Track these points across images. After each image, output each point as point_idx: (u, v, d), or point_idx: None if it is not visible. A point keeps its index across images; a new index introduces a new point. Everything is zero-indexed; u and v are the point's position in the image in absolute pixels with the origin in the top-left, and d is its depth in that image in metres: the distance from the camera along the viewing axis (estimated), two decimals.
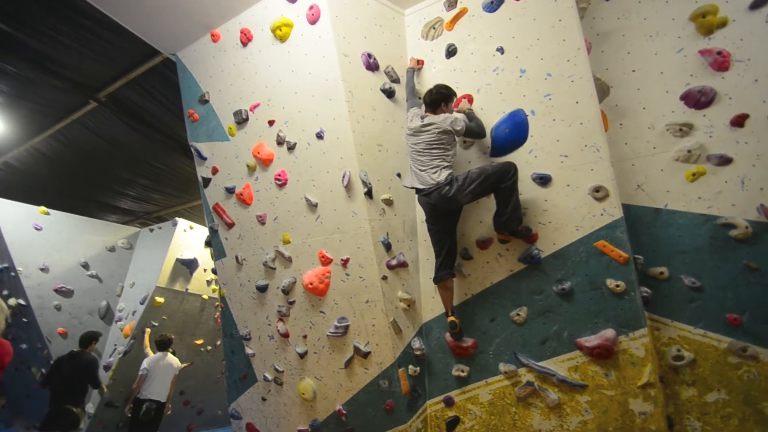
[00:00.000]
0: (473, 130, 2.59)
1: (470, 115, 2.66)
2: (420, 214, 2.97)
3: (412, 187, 2.61)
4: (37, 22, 3.70)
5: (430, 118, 2.56)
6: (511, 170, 2.42)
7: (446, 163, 2.50)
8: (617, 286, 2.28)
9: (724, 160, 2.43)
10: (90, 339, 4.44)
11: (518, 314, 2.51)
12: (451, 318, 2.57)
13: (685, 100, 2.57)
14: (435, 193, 2.45)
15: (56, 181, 6.79)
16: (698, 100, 2.53)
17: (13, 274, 5.83)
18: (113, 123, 5.26)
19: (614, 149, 2.63)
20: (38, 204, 6.27)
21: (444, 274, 2.59)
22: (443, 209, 2.52)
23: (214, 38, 3.37)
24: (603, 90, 2.75)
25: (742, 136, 2.41)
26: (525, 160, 2.58)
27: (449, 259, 2.59)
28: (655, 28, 2.70)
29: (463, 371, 2.66)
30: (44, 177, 6.63)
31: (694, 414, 2.31)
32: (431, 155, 2.51)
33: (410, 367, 2.69)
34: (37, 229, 6.13)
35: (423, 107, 2.71)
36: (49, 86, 4.58)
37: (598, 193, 2.36)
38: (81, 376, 4.16)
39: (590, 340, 2.32)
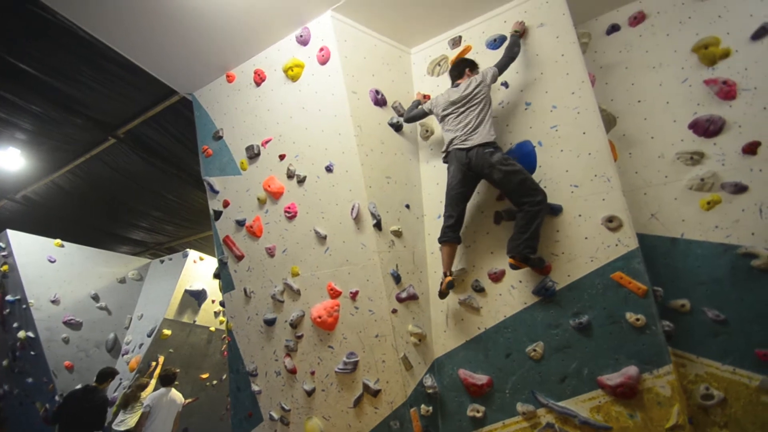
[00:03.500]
0: (504, 63, 2.62)
1: (514, 37, 2.69)
2: (430, 244, 2.95)
3: (446, 150, 2.63)
4: (62, 65, 3.94)
5: (467, 80, 2.66)
6: (540, 195, 2.38)
7: (489, 123, 2.53)
8: (637, 319, 2.19)
9: (740, 188, 2.39)
10: (108, 375, 4.42)
11: (534, 350, 2.41)
12: (449, 278, 2.55)
13: (693, 129, 2.57)
14: (478, 149, 2.47)
15: (72, 214, 6.96)
16: (707, 128, 2.53)
17: (24, 306, 5.87)
18: (130, 158, 5.45)
19: (625, 179, 2.62)
20: (54, 236, 6.40)
21: (452, 237, 2.58)
22: (474, 170, 2.50)
23: (230, 79, 3.52)
24: (609, 120, 2.78)
25: (756, 164, 2.38)
26: None
27: (459, 224, 2.60)
28: (658, 59, 2.75)
29: (478, 411, 2.53)
30: (61, 210, 6.81)
31: None
32: (475, 112, 2.54)
33: (422, 406, 2.57)
34: (51, 262, 6.23)
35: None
36: (71, 124, 4.80)
37: (612, 224, 2.32)
38: (92, 414, 4.07)
39: (612, 378, 2.20)
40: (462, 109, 2.60)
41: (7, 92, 4.25)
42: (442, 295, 2.57)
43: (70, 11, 3.02)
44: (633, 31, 2.88)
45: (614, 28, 2.94)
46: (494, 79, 2.61)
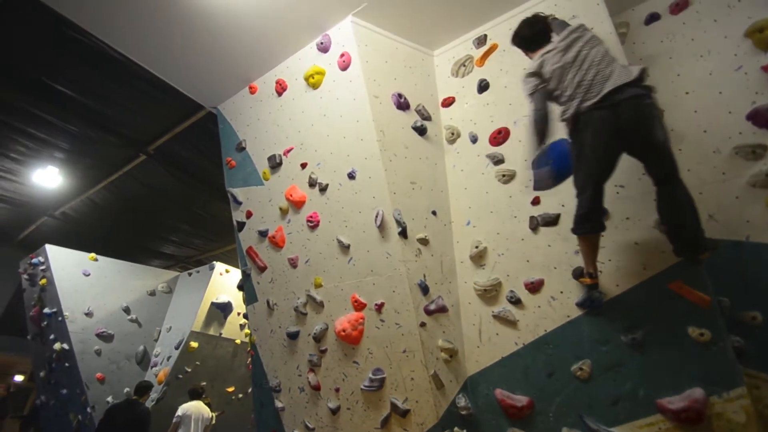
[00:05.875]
0: None
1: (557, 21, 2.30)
2: (459, 253, 2.78)
3: (576, 113, 1.93)
4: (96, 85, 4.10)
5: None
6: (676, 165, 1.83)
7: (619, 61, 1.93)
8: (701, 334, 1.93)
9: None
10: (146, 388, 4.53)
11: (581, 368, 2.17)
12: (593, 281, 2.07)
13: (753, 120, 2.31)
14: (629, 101, 1.78)
15: (106, 229, 7.23)
16: None
17: (60, 318, 6.06)
18: (159, 173, 5.60)
19: None
20: (89, 251, 6.63)
21: (592, 226, 1.98)
22: (623, 133, 1.81)
23: (252, 90, 3.54)
24: None
25: None
26: (573, 193, 2.35)
27: (600, 206, 1.98)
28: (706, 47, 2.52)
29: None
30: (95, 225, 7.08)
31: None
32: (602, 53, 1.92)
33: (456, 429, 2.37)
34: (86, 275, 6.43)
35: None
36: (105, 143, 4.99)
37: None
38: (136, 427, 4.10)
39: (674, 402, 1.93)
40: (590, 50, 1.94)
41: (46, 113, 4.47)
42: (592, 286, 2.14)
43: (103, 32, 3.14)
44: (675, 19, 2.67)
45: (653, 17, 2.74)
46: None
